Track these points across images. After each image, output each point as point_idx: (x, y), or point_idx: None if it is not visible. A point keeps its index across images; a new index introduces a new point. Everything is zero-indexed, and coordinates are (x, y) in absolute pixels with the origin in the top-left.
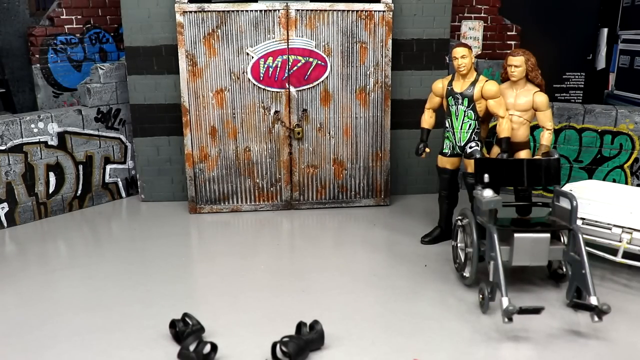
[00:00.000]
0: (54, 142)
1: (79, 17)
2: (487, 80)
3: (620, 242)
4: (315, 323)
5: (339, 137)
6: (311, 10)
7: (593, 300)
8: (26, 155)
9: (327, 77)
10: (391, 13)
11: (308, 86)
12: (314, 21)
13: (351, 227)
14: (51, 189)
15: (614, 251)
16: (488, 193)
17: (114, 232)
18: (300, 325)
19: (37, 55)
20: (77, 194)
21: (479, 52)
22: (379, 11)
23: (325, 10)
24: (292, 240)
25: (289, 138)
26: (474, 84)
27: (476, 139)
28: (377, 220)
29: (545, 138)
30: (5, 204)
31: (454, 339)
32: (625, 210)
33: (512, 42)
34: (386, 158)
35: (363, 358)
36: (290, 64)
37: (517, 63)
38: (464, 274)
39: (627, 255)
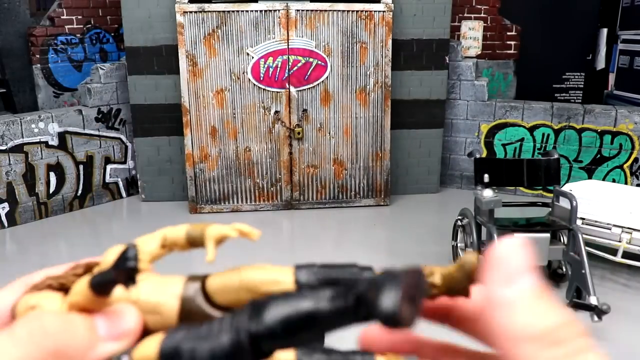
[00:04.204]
0: (54, 142)
1: (79, 17)
2: None
3: (620, 242)
4: None
5: (339, 137)
6: (311, 10)
7: (593, 300)
8: (27, 155)
9: (327, 77)
10: (391, 13)
11: (308, 86)
12: (314, 21)
13: (351, 227)
14: (52, 189)
15: (613, 251)
16: (488, 193)
17: (114, 232)
18: None
19: (38, 56)
20: (78, 194)
21: (479, 52)
22: (379, 11)
23: (325, 11)
24: (293, 240)
25: (289, 138)
26: None
27: None
28: (377, 220)
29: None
30: (5, 204)
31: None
32: (625, 210)
33: (512, 42)
34: (386, 158)
35: None
36: (290, 64)
37: None
38: None
39: (627, 255)
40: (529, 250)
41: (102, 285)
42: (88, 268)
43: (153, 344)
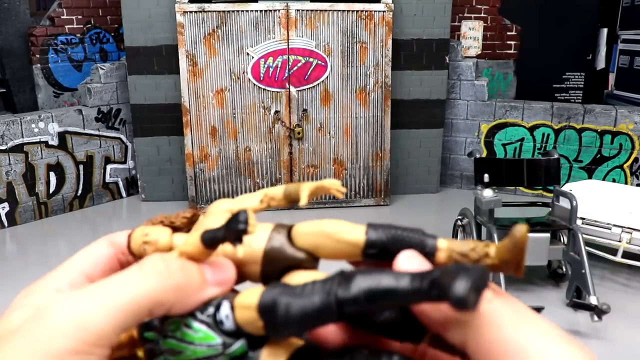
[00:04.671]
0: (54, 142)
1: (79, 17)
2: None
3: (619, 241)
4: None
5: (339, 137)
6: (311, 10)
7: (593, 300)
8: (27, 155)
9: (327, 77)
10: (391, 13)
11: (308, 86)
12: (314, 21)
13: None
14: (52, 189)
15: (613, 251)
16: (488, 193)
17: (114, 232)
18: None
19: (38, 55)
20: (78, 194)
21: (479, 52)
22: (379, 11)
23: (325, 10)
24: None
25: (289, 138)
26: None
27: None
28: (377, 220)
29: None
30: (5, 204)
31: None
32: (625, 210)
33: (512, 42)
34: (386, 158)
35: None
36: (290, 64)
37: None
38: None
39: (627, 255)
40: (419, 257)
41: (212, 240)
42: (194, 215)
43: (254, 294)
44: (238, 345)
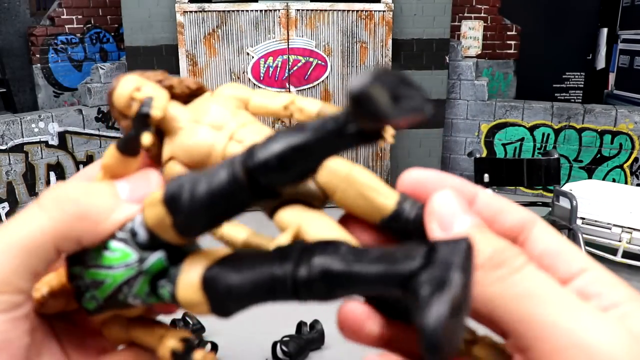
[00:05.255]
0: (54, 141)
1: (79, 17)
2: None
3: (620, 241)
4: (315, 322)
5: None
6: (311, 10)
7: None
8: (27, 154)
9: (327, 77)
10: (391, 13)
11: (308, 86)
12: (314, 21)
13: None
14: None
15: (613, 251)
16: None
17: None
18: (300, 325)
19: (38, 55)
20: None
21: (479, 52)
22: (379, 11)
23: (326, 10)
24: None
25: None
26: None
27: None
28: None
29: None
30: (5, 204)
31: None
32: (625, 210)
33: (512, 42)
34: (386, 158)
35: (363, 358)
36: (290, 63)
37: None
38: None
39: (627, 254)
40: (459, 197)
41: (126, 143)
42: (200, 89)
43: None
44: (154, 258)
